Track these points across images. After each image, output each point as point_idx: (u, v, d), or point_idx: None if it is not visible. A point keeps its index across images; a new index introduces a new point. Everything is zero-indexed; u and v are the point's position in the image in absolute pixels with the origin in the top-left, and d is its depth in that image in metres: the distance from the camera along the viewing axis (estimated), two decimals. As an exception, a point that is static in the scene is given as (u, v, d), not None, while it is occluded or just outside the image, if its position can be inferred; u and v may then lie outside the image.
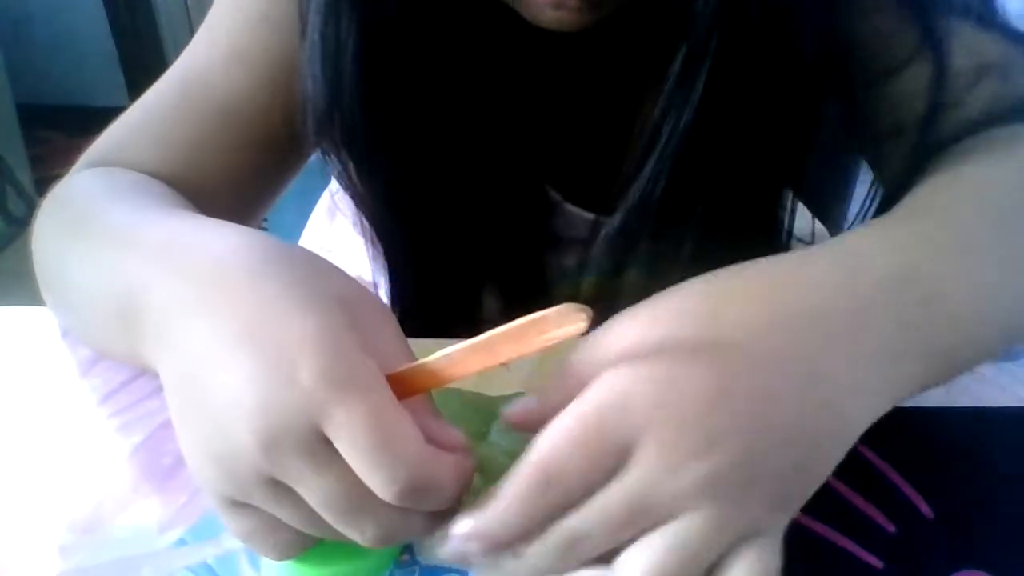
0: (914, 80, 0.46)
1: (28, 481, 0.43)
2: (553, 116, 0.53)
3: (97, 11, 2.31)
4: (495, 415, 0.41)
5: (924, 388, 0.35)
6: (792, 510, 0.31)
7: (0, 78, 2.05)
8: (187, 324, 0.32)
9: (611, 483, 0.29)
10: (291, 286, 0.32)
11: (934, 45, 0.45)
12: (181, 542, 0.39)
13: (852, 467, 0.37)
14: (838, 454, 0.32)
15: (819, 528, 0.39)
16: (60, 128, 2.35)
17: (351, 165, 0.50)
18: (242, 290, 0.32)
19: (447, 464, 0.30)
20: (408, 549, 0.38)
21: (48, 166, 2.24)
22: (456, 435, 0.32)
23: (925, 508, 0.40)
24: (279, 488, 0.30)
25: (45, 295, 0.47)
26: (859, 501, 0.40)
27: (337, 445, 0.29)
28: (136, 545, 0.39)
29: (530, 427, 0.31)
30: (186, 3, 2.43)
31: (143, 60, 2.38)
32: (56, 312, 0.48)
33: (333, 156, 0.50)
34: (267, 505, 0.30)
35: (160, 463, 0.43)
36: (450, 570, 0.38)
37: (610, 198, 0.51)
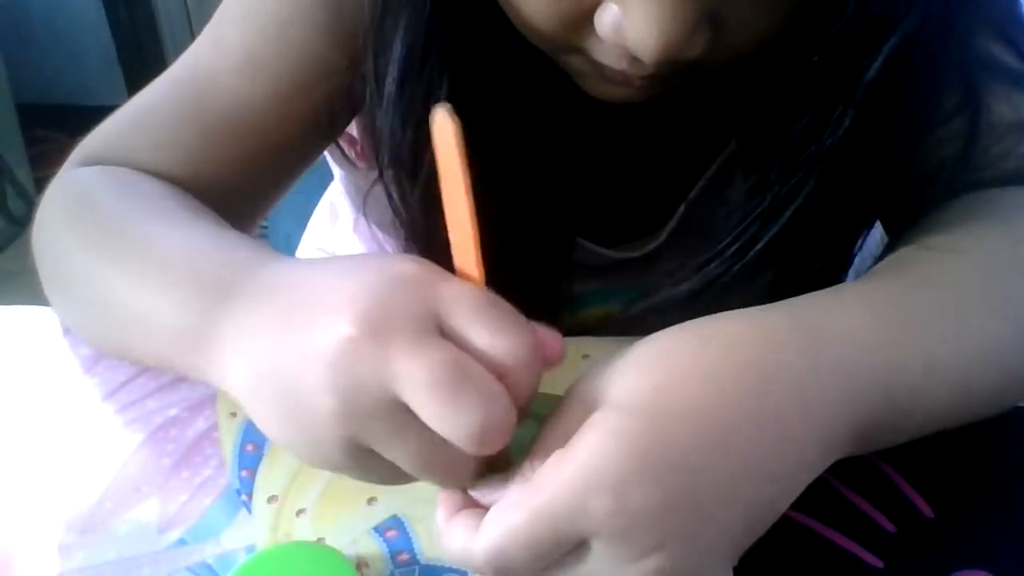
0: (948, 135, 0.46)
1: (28, 481, 0.43)
2: (591, 166, 0.53)
3: (97, 11, 2.31)
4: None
5: (856, 454, 0.36)
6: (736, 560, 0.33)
7: (0, 78, 2.05)
8: (248, 322, 0.33)
9: (557, 566, 0.30)
10: (347, 268, 0.33)
11: (972, 103, 0.46)
12: (181, 542, 0.39)
13: (852, 467, 0.37)
14: (774, 518, 0.33)
15: (819, 528, 0.39)
16: (60, 128, 2.34)
17: (408, 191, 0.49)
18: (302, 284, 0.33)
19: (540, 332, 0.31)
20: (408, 549, 0.39)
21: (48, 165, 2.22)
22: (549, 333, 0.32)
23: (925, 508, 0.40)
24: (394, 408, 0.30)
25: (52, 294, 0.47)
26: (859, 501, 0.40)
27: (454, 323, 0.30)
28: (136, 545, 0.39)
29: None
30: (186, 3, 2.43)
31: (143, 60, 2.38)
32: (66, 312, 0.48)
33: (393, 184, 0.49)
34: (385, 432, 0.30)
35: (160, 463, 0.43)
36: (450, 570, 0.38)
37: (628, 232, 0.53)
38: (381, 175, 0.50)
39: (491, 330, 0.30)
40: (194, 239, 0.41)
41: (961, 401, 0.38)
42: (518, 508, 0.30)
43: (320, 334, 0.30)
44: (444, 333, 0.30)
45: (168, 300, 0.38)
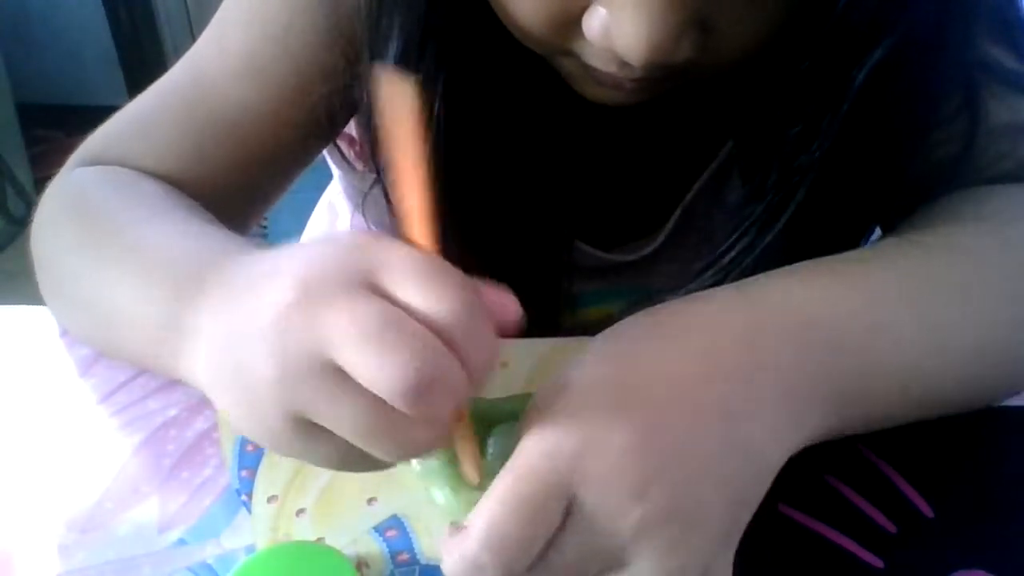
0: (946, 137, 0.47)
1: (28, 481, 0.43)
2: (589, 168, 0.53)
3: (97, 11, 2.31)
4: (490, 425, 0.41)
5: (844, 432, 0.37)
6: (733, 546, 0.33)
7: (0, 78, 2.05)
8: (214, 309, 0.34)
9: (557, 536, 0.30)
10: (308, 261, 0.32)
11: (971, 106, 0.46)
12: (181, 542, 0.39)
13: (852, 467, 0.37)
14: (760, 491, 0.33)
15: (819, 528, 0.39)
16: (60, 128, 2.34)
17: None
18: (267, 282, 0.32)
19: (454, 361, 0.29)
20: (408, 549, 0.39)
21: (48, 165, 2.22)
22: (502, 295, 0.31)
23: (925, 508, 0.40)
24: (328, 370, 0.29)
25: (48, 294, 0.47)
26: (859, 501, 0.40)
27: (388, 284, 0.29)
28: (136, 545, 0.39)
29: None
30: (186, 3, 2.43)
31: (143, 60, 2.38)
32: (60, 312, 0.48)
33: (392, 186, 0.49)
34: (322, 398, 0.29)
35: (160, 463, 0.43)
36: (450, 570, 0.38)
37: (625, 234, 0.53)
38: (379, 176, 0.50)
39: (427, 289, 0.29)
40: (178, 237, 0.41)
41: (930, 376, 0.39)
42: (499, 485, 0.31)
43: (261, 306, 0.30)
44: (380, 294, 0.29)
45: (146, 298, 0.38)
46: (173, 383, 0.48)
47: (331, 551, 0.37)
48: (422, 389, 0.27)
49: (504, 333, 0.30)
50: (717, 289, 0.38)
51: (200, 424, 0.45)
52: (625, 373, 0.33)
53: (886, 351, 0.37)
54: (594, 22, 0.38)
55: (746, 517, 0.33)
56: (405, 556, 0.38)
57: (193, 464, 0.43)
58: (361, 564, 0.38)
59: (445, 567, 0.31)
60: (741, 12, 0.38)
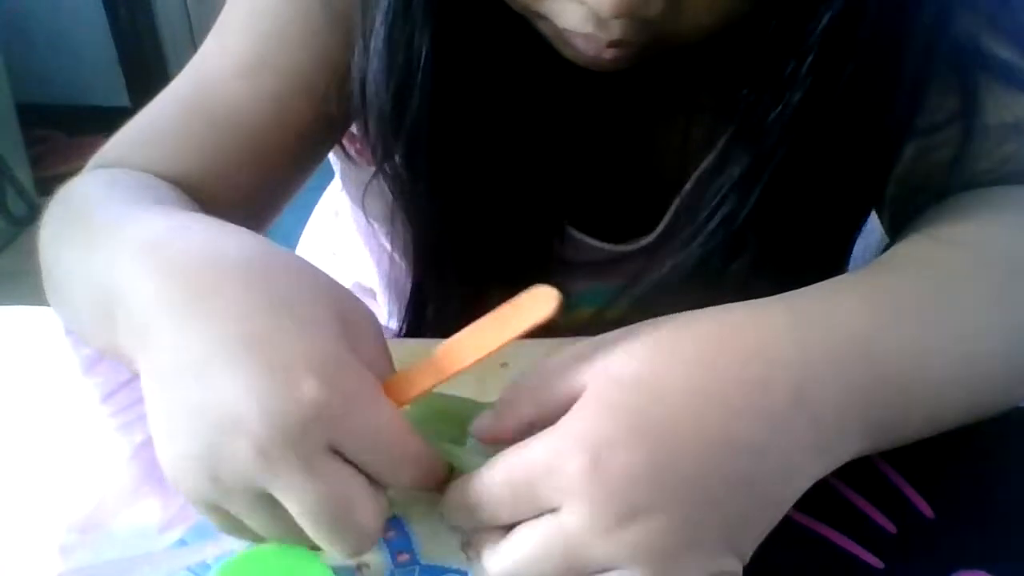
0: (947, 136, 0.46)
1: (28, 481, 0.43)
2: (582, 149, 0.53)
3: (97, 11, 2.31)
4: (472, 421, 0.41)
5: (873, 450, 0.37)
6: (746, 557, 0.33)
7: (0, 78, 2.05)
8: (176, 323, 0.33)
9: (540, 520, 0.32)
10: (288, 297, 0.33)
11: (970, 103, 0.46)
12: (181, 542, 0.39)
13: (852, 467, 0.37)
14: (767, 526, 0.33)
15: (819, 528, 0.39)
16: (60, 127, 2.35)
17: (401, 171, 0.50)
18: (238, 296, 0.33)
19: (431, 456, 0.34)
20: (408, 549, 0.38)
21: (48, 165, 2.23)
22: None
23: (925, 508, 0.40)
24: (261, 499, 0.31)
25: (47, 293, 0.48)
26: (859, 501, 0.40)
27: (350, 454, 0.31)
28: (136, 545, 0.39)
29: (494, 442, 0.34)
30: (186, 3, 2.43)
31: (143, 60, 2.38)
32: (56, 309, 0.49)
33: (386, 164, 0.50)
34: (244, 512, 0.32)
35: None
36: (450, 570, 0.38)
37: (625, 228, 0.53)
38: (379, 169, 0.50)
39: (385, 467, 0.32)
40: (156, 222, 0.40)
41: (961, 394, 0.38)
42: (514, 450, 0.32)
43: (217, 415, 0.31)
44: (339, 454, 0.31)
45: (98, 272, 0.39)
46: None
47: (310, 555, 0.35)
48: (353, 556, 0.33)
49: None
50: (761, 303, 0.36)
51: (200, 424, 0.45)
52: (651, 394, 0.32)
53: (924, 381, 0.37)
54: None
55: (747, 549, 0.33)
56: (405, 556, 0.38)
57: (193, 464, 0.43)
58: (361, 564, 0.38)
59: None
60: None
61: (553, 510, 0.31)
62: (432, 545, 0.39)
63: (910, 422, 0.38)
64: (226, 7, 0.52)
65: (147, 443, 0.44)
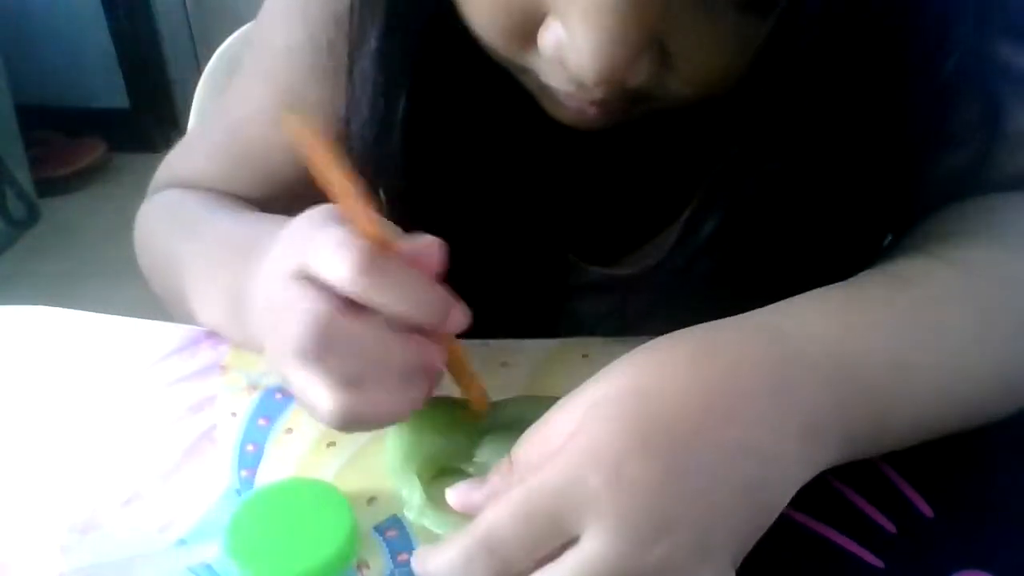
0: (966, 148, 0.46)
1: (28, 481, 0.43)
2: (578, 184, 0.53)
3: (97, 12, 2.31)
4: (484, 431, 0.41)
5: (851, 459, 0.37)
6: (737, 563, 0.33)
7: (0, 79, 2.05)
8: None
9: (564, 556, 0.31)
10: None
11: (992, 114, 0.45)
12: (181, 542, 0.39)
13: (852, 467, 0.37)
14: (765, 524, 0.34)
15: (819, 528, 0.39)
16: (59, 128, 2.35)
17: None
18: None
19: (413, 273, 0.35)
20: (408, 549, 0.39)
21: (47, 167, 2.23)
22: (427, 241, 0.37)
23: (925, 508, 0.40)
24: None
25: (152, 281, 0.58)
26: (859, 501, 0.40)
27: (314, 271, 0.35)
28: (136, 545, 0.39)
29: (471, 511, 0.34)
30: (185, 4, 2.43)
31: (142, 61, 2.38)
32: (162, 293, 0.56)
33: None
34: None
35: (160, 463, 0.43)
36: (450, 570, 0.38)
37: (623, 253, 0.53)
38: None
39: (330, 266, 0.34)
40: (241, 224, 0.50)
41: (944, 406, 0.39)
42: (517, 485, 0.31)
43: (262, 298, 0.39)
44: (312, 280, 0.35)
45: (221, 274, 0.46)
46: (174, 384, 0.48)
47: (327, 487, 0.38)
48: (329, 346, 0.35)
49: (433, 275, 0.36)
50: (742, 317, 0.37)
51: (200, 424, 0.45)
52: (652, 403, 0.33)
53: (905, 392, 0.37)
54: (548, 37, 0.38)
55: (748, 547, 0.33)
56: (405, 556, 0.38)
57: (193, 464, 0.43)
58: (361, 564, 0.38)
59: (440, 556, 0.32)
60: (701, 38, 0.37)
61: (573, 540, 0.31)
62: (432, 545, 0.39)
63: (889, 432, 0.38)
64: (248, 53, 0.58)
65: (147, 443, 0.44)
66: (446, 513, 0.39)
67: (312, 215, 0.38)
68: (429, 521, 0.39)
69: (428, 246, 0.37)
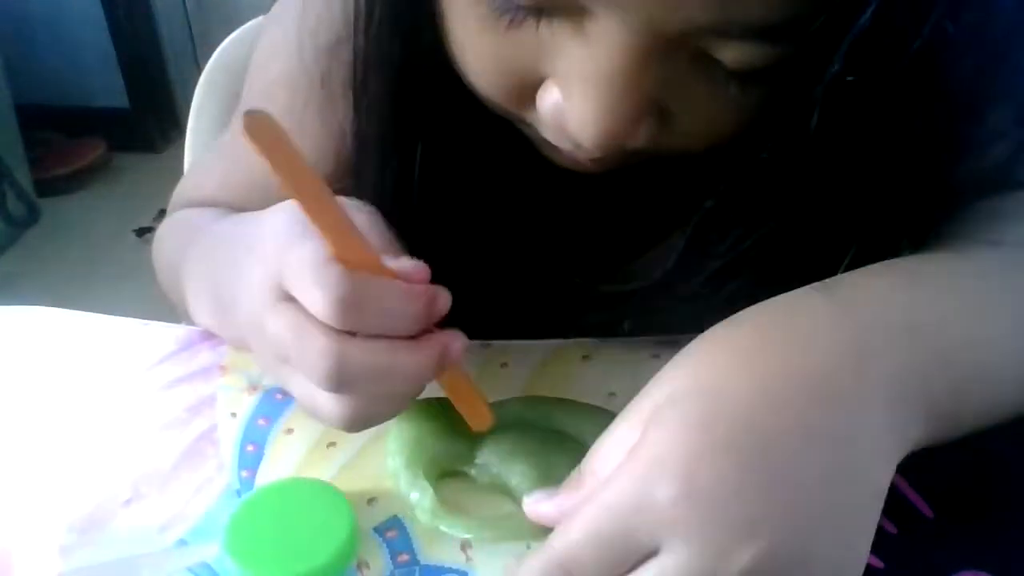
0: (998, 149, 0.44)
1: (28, 481, 0.43)
2: (580, 208, 0.52)
3: (96, 12, 2.31)
4: (483, 438, 0.41)
5: (935, 439, 0.35)
6: (864, 553, 0.31)
7: (0, 79, 2.05)
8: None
9: (643, 570, 0.29)
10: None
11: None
12: (181, 542, 0.39)
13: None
14: (874, 515, 0.31)
15: (819, 528, 0.39)
16: (60, 129, 2.35)
17: None
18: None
19: (389, 286, 0.34)
20: (408, 549, 0.39)
21: (47, 167, 2.23)
22: (415, 265, 0.36)
23: (925, 508, 0.40)
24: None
25: (169, 291, 0.57)
26: (859, 501, 0.40)
27: (289, 290, 0.35)
28: (136, 545, 0.39)
29: (550, 523, 0.33)
30: (185, 4, 2.43)
31: (142, 61, 2.38)
32: (179, 301, 0.55)
33: None
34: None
35: (160, 463, 0.43)
36: (450, 570, 0.38)
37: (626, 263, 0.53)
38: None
39: (304, 292, 0.34)
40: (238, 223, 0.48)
41: (1017, 381, 0.37)
42: (588, 502, 0.30)
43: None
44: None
45: (212, 273, 0.46)
46: (174, 384, 0.48)
47: (326, 486, 0.38)
48: (342, 383, 0.34)
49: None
50: (799, 293, 0.35)
51: (200, 424, 0.45)
52: (717, 399, 0.31)
53: (981, 363, 0.36)
54: (547, 100, 0.38)
55: (865, 545, 0.31)
56: (405, 556, 0.38)
57: (193, 464, 0.43)
58: (361, 564, 0.38)
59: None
60: (700, 103, 0.37)
61: (649, 556, 0.29)
62: (432, 545, 0.39)
63: (968, 406, 0.36)
64: (246, 86, 0.57)
65: (147, 443, 0.44)
66: (458, 516, 0.39)
67: (277, 228, 0.37)
68: (443, 524, 0.39)
69: (414, 270, 0.35)
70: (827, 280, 0.36)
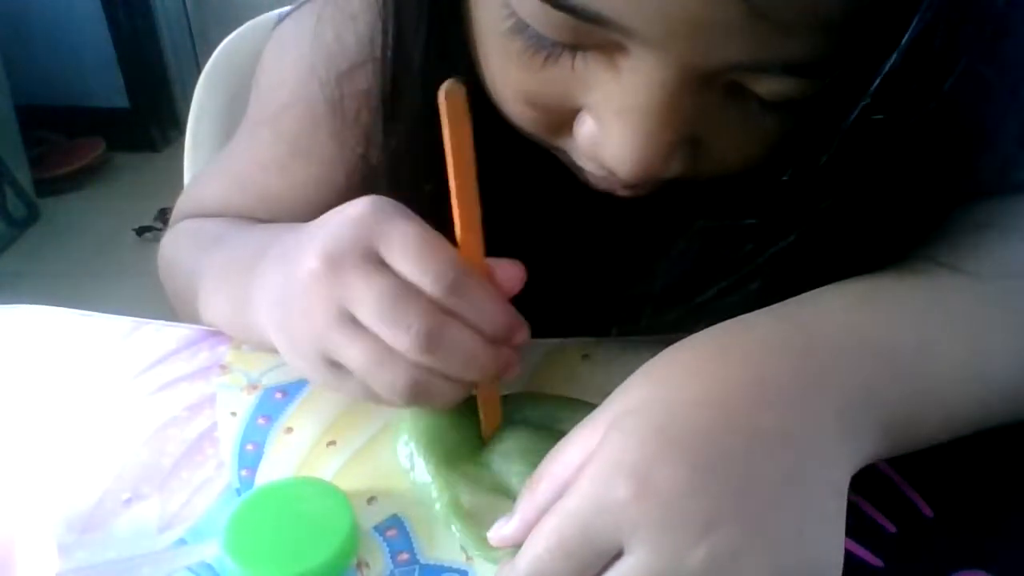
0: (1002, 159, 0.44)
1: (28, 480, 0.43)
2: (603, 223, 0.52)
3: (96, 12, 2.31)
4: (500, 434, 0.41)
5: (890, 453, 0.36)
6: (835, 553, 0.32)
7: (0, 79, 2.05)
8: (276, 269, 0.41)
9: (607, 573, 0.30)
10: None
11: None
12: (181, 542, 0.39)
13: (852, 467, 0.37)
14: (837, 516, 0.32)
15: (819, 528, 0.39)
16: (59, 129, 2.35)
17: None
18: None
19: (490, 287, 0.37)
20: (408, 549, 0.39)
21: (47, 167, 2.23)
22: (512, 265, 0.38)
23: (925, 508, 0.40)
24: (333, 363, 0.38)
25: (175, 299, 0.59)
26: (859, 501, 0.40)
27: (388, 259, 0.36)
28: (136, 545, 0.39)
29: (517, 543, 0.34)
30: (185, 4, 2.43)
31: (142, 61, 2.38)
32: (183, 309, 0.57)
33: None
34: (332, 376, 0.38)
35: (160, 463, 0.43)
36: (450, 570, 0.38)
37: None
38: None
39: (415, 265, 0.35)
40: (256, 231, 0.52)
41: (973, 396, 0.37)
42: (550, 514, 0.31)
43: (296, 272, 0.37)
44: (384, 265, 0.36)
45: (236, 269, 0.47)
46: (174, 383, 0.48)
47: (327, 485, 0.39)
48: (429, 347, 0.35)
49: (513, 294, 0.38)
50: (757, 313, 0.37)
51: (200, 424, 0.45)
52: (674, 406, 0.32)
53: (934, 376, 0.36)
54: (583, 131, 0.38)
55: (835, 542, 0.32)
56: (405, 556, 0.38)
57: (193, 464, 0.43)
58: (361, 564, 0.38)
59: None
60: (732, 132, 0.37)
61: (614, 560, 0.30)
62: (432, 545, 0.39)
63: (923, 422, 0.37)
64: (254, 100, 0.57)
65: (147, 442, 0.44)
66: (471, 526, 0.39)
67: (376, 203, 0.38)
68: (456, 526, 0.39)
69: (512, 268, 0.38)
70: (787, 301, 0.37)
